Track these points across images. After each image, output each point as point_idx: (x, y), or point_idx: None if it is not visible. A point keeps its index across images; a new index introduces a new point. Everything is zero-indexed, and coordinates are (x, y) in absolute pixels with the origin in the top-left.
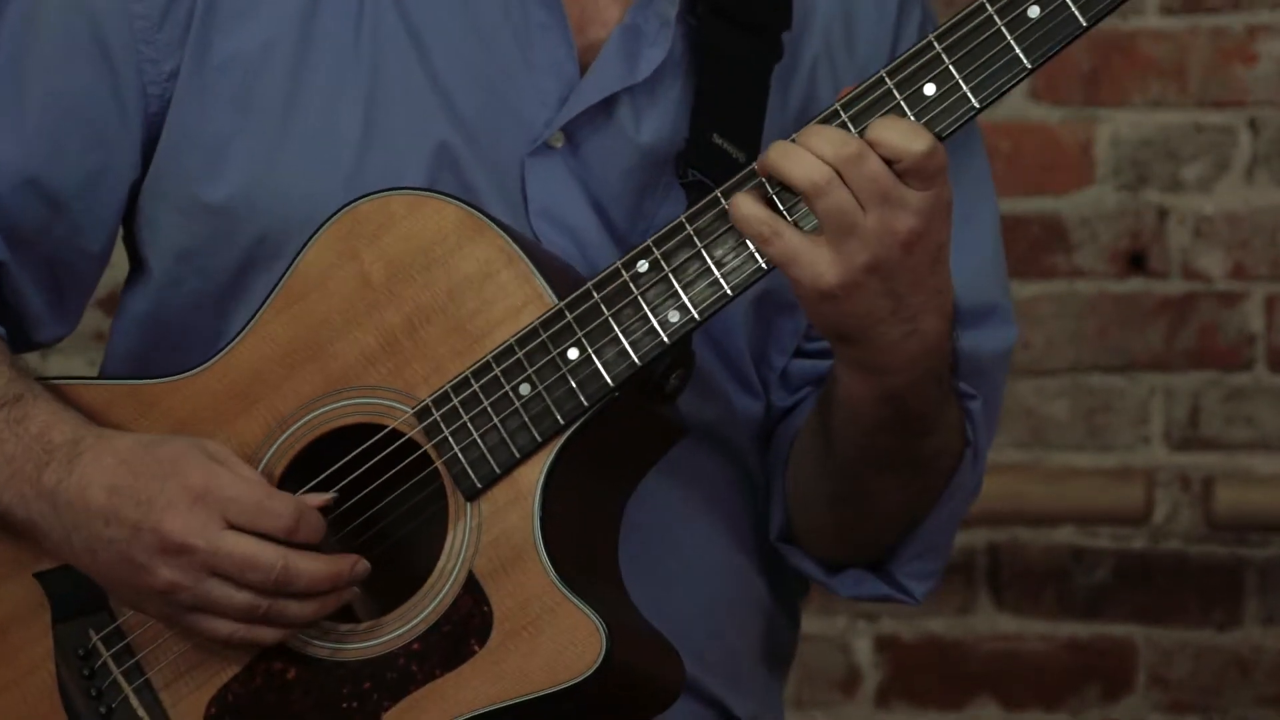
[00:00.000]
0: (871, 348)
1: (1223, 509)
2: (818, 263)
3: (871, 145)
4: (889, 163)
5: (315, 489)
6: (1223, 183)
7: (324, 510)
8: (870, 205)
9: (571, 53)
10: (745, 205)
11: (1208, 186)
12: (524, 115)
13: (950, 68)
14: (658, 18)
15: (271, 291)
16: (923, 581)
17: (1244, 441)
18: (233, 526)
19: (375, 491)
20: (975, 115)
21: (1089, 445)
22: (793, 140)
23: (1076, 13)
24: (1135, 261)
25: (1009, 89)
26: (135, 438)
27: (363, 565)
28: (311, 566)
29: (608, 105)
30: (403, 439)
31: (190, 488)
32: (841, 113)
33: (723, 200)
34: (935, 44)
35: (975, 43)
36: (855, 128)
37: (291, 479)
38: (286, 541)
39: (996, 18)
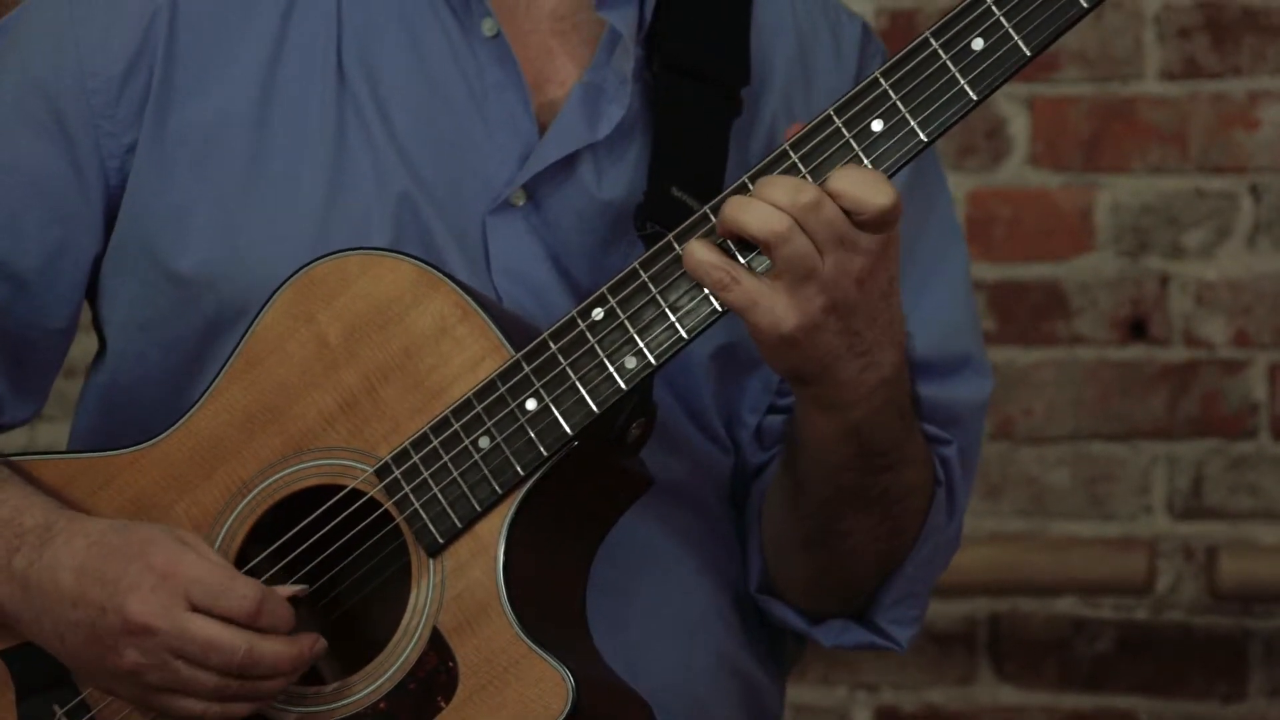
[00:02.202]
0: (830, 385)
1: (1226, 579)
2: (776, 307)
3: (833, 197)
4: (849, 214)
5: (275, 554)
6: (1225, 249)
7: (293, 599)
8: (827, 250)
9: (529, 111)
10: (700, 252)
11: (1209, 253)
12: (484, 174)
13: (897, 103)
14: (616, 75)
15: (230, 357)
16: (905, 627)
17: (1248, 511)
18: (196, 609)
19: (338, 552)
20: (924, 149)
21: (1091, 514)
22: (747, 193)
23: (1020, 44)
24: (1136, 329)
25: (956, 122)
26: (108, 522)
27: (321, 643)
28: (274, 649)
29: (569, 162)
30: (364, 498)
31: (154, 569)
32: (791, 153)
33: (676, 246)
34: (881, 80)
35: (921, 77)
36: (805, 167)
37: (254, 544)
38: (250, 626)
39: (941, 52)
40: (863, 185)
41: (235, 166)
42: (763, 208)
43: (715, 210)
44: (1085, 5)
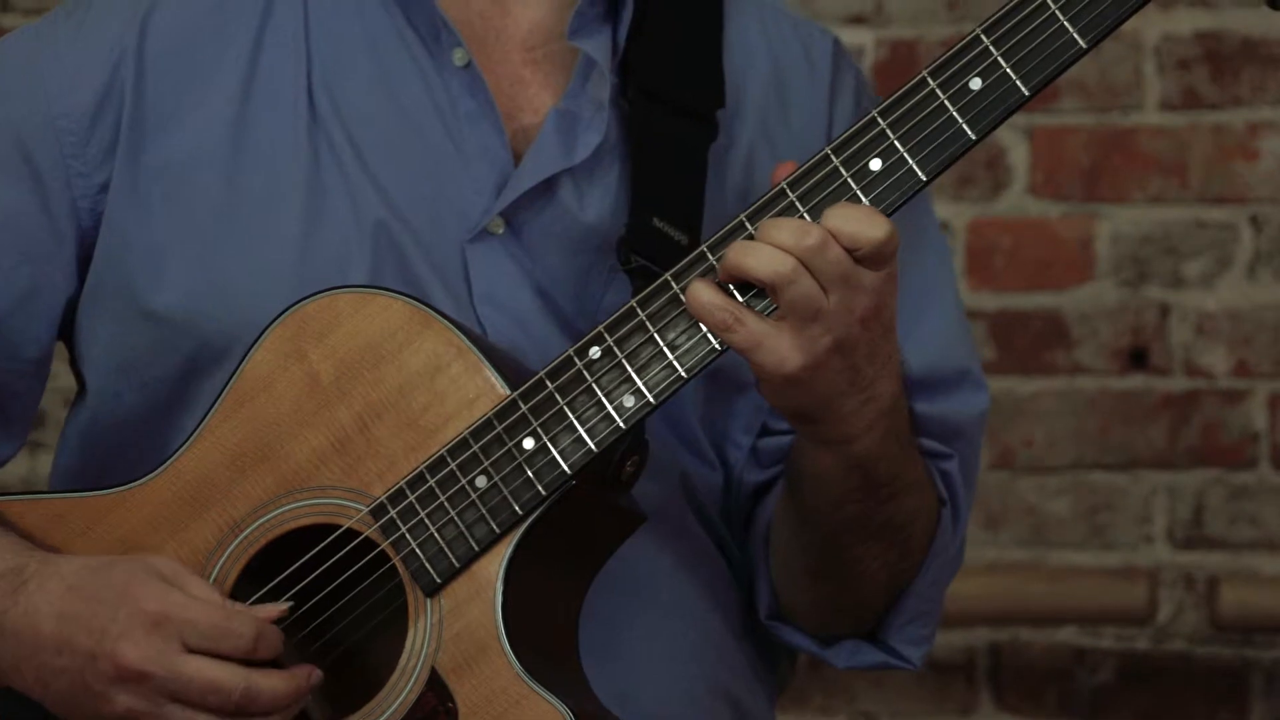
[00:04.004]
0: (833, 421)
1: (1227, 609)
2: (780, 348)
3: (830, 234)
4: (847, 250)
5: (270, 594)
6: (1224, 279)
7: (279, 619)
8: (832, 289)
9: (503, 139)
10: (705, 293)
11: (1209, 283)
12: (461, 204)
13: (895, 143)
14: (592, 102)
15: (219, 396)
16: (918, 646)
17: (1248, 541)
18: (192, 650)
19: (333, 592)
20: (923, 188)
21: (1091, 544)
22: (744, 233)
23: (1019, 83)
24: (1137, 358)
25: (954, 161)
26: (82, 561)
27: (317, 674)
28: (272, 684)
29: (549, 187)
30: (359, 538)
31: (145, 613)
32: (789, 192)
33: (674, 285)
34: (879, 120)
35: (919, 117)
36: (804, 206)
37: (246, 584)
38: (246, 660)
39: (939, 91)
40: (857, 221)
41: (210, 203)
42: (767, 250)
43: (712, 249)
44: (1084, 45)
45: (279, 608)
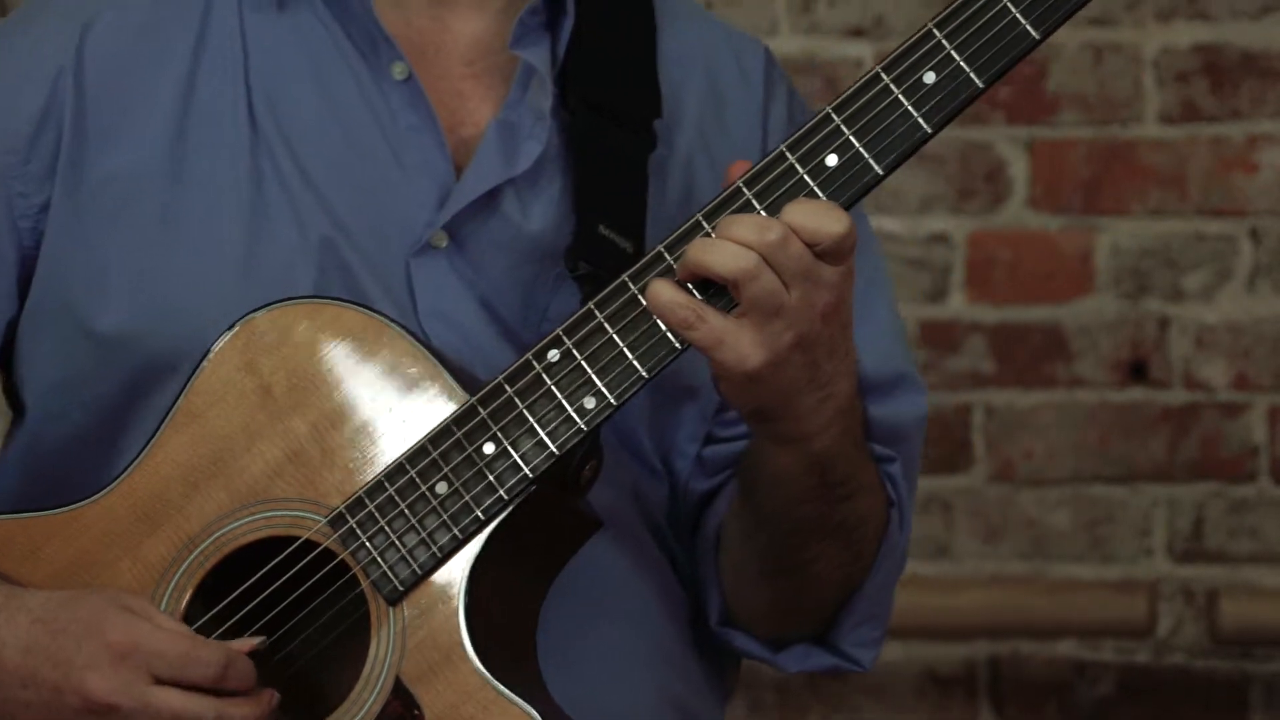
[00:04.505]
0: (792, 419)
1: (1227, 622)
2: (742, 344)
3: (790, 230)
4: (808, 245)
5: (227, 609)
6: (1224, 292)
7: (251, 652)
8: (793, 285)
9: (445, 152)
10: (665, 292)
11: (1209, 296)
12: (404, 217)
13: (851, 138)
14: (532, 113)
15: (169, 410)
16: (868, 649)
17: (1248, 554)
18: (160, 681)
19: (293, 605)
20: (879, 182)
21: (1091, 557)
22: (701, 231)
23: (973, 75)
24: (1136, 371)
25: (911, 154)
26: (47, 595)
27: (276, 698)
28: (240, 712)
29: (492, 198)
30: (318, 549)
31: (112, 645)
32: (745, 190)
33: (632, 286)
34: (834, 116)
35: (874, 112)
36: (760, 204)
37: (203, 599)
38: (215, 690)
39: (893, 86)
40: (817, 216)
41: (152, 220)
42: (729, 246)
43: (669, 248)
44: (1037, 37)
45: (250, 642)
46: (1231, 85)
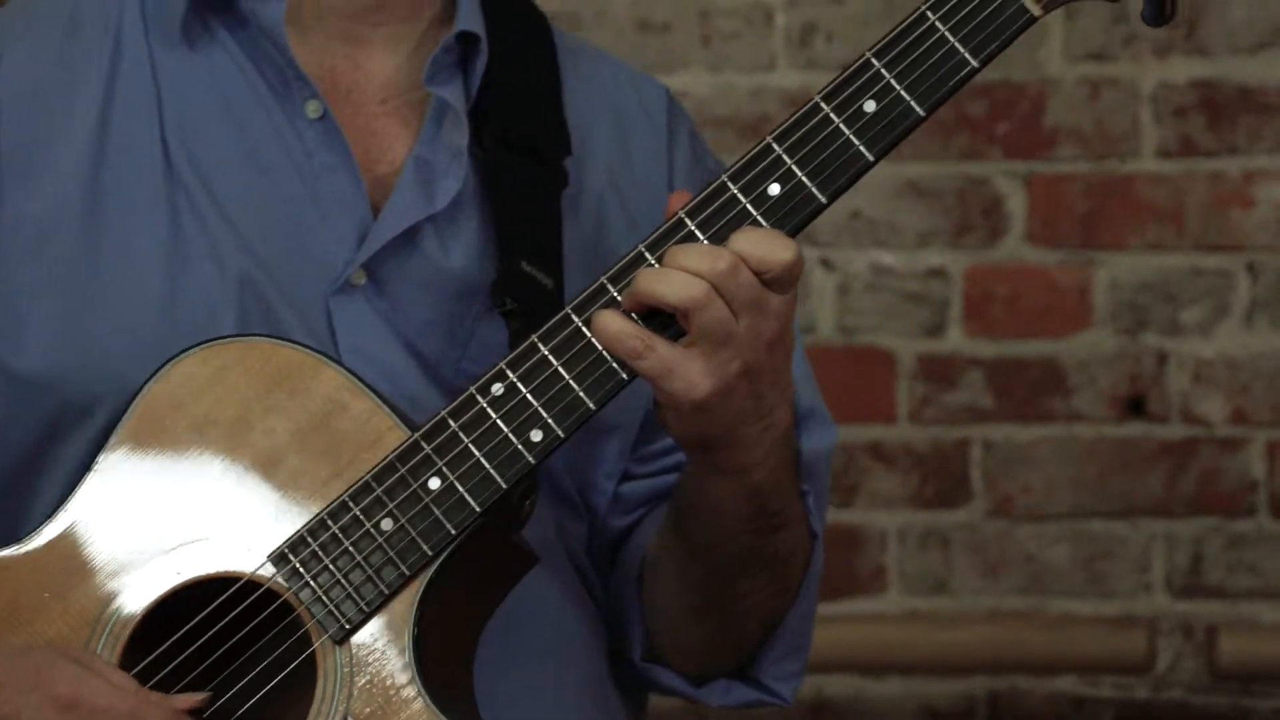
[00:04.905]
0: (734, 448)
1: (1226, 658)
2: (691, 374)
3: (740, 258)
4: (756, 273)
5: (166, 653)
6: (1222, 327)
7: (197, 705)
8: (742, 314)
9: (361, 190)
10: (614, 323)
11: (1207, 330)
12: (322, 256)
13: (793, 167)
14: (447, 150)
15: (99, 452)
16: (789, 682)
17: (1247, 590)
18: None
19: (235, 648)
20: (823, 210)
21: (1089, 592)
22: (644, 262)
23: (914, 104)
24: (1134, 406)
25: (854, 182)
26: None
27: None
28: None
29: (411, 236)
30: (260, 590)
31: (58, 699)
32: (688, 221)
33: (575, 318)
34: (775, 146)
35: (815, 141)
36: (704, 234)
37: (141, 645)
38: None
39: (833, 115)
40: (765, 244)
41: (69, 261)
42: (679, 276)
43: (612, 280)
44: (976, 65)
45: (195, 698)
46: (1229, 121)
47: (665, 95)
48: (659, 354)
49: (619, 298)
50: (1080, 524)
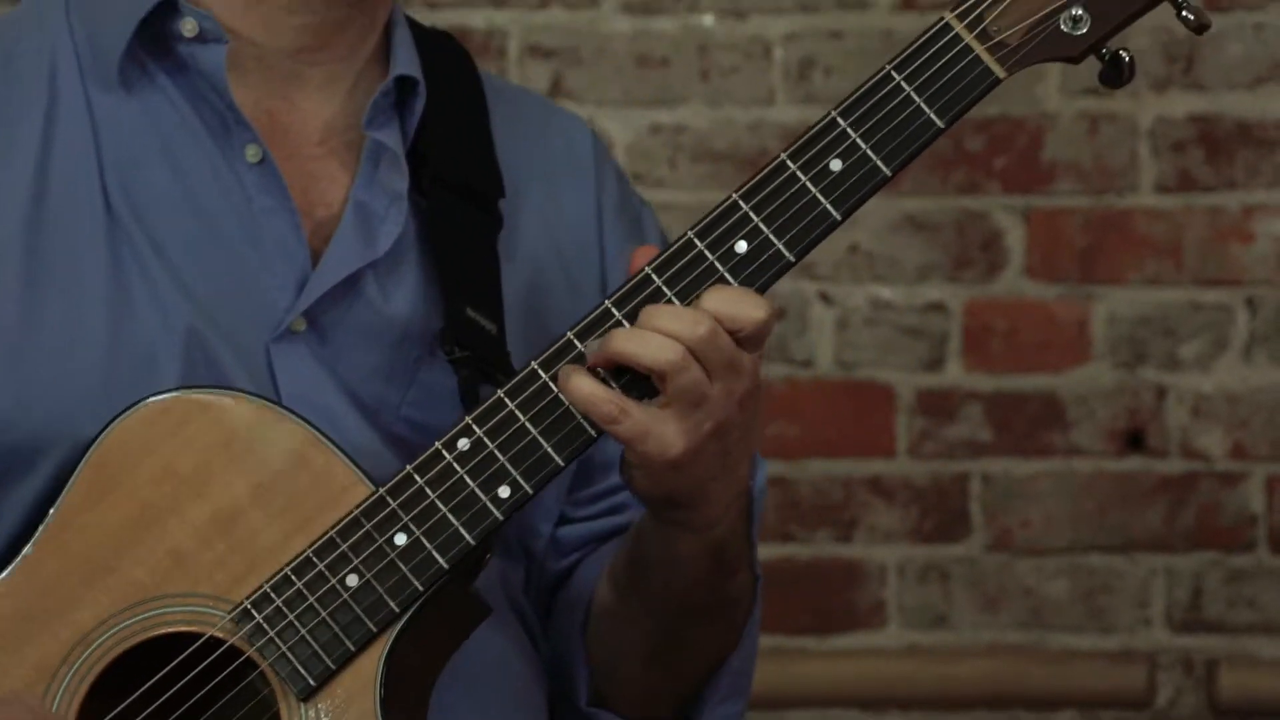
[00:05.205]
0: (701, 505)
1: (1227, 693)
2: (665, 435)
3: (717, 322)
4: (730, 332)
5: (127, 710)
6: (1221, 361)
7: None
8: (717, 376)
9: (300, 236)
10: (585, 385)
11: (1206, 365)
12: (261, 302)
13: (759, 225)
14: (386, 194)
15: (56, 502)
16: None
17: (1247, 624)
18: None
19: (196, 705)
20: (791, 268)
21: (1089, 627)
22: (613, 319)
23: (880, 164)
24: (1133, 440)
25: (822, 240)
26: None
27: None
28: None
29: (352, 283)
30: (223, 646)
31: None
32: (655, 278)
33: (542, 374)
34: (742, 204)
35: (782, 199)
36: (671, 290)
37: (98, 700)
38: None
39: (800, 174)
40: (738, 303)
41: (8, 308)
42: (654, 338)
43: (579, 336)
44: (942, 125)
45: None
46: (1227, 155)
47: (590, 136)
48: (634, 418)
49: (586, 354)
50: (1080, 558)
